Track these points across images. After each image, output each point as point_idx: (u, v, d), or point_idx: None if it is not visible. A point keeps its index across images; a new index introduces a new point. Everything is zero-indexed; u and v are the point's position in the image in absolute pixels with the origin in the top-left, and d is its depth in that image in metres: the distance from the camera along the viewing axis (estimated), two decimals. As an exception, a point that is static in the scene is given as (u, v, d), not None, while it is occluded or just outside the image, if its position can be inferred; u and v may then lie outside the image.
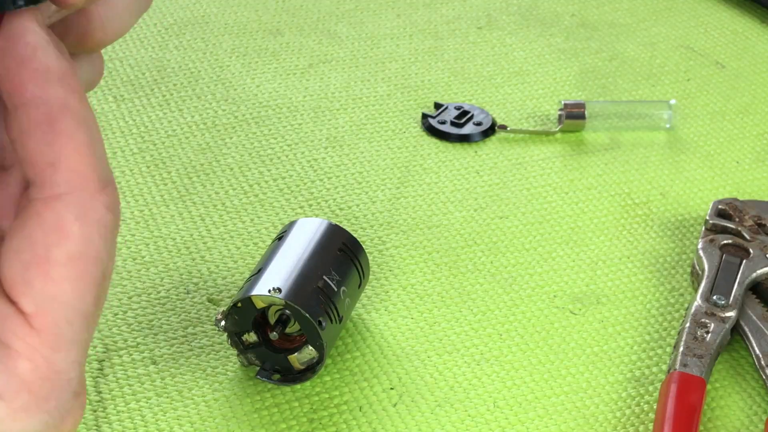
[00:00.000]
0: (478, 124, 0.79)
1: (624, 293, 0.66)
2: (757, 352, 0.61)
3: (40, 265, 0.35)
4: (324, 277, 0.58)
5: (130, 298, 0.63)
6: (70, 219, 0.35)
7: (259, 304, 0.57)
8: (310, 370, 0.59)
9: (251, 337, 0.58)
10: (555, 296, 0.66)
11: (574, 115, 0.79)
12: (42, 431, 0.36)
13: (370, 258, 0.64)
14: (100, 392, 0.58)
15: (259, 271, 0.58)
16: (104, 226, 0.36)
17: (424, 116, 0.79)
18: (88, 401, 0.57)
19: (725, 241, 0.67)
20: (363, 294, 0.64)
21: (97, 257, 0.36)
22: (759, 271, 0.65)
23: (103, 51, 0.42)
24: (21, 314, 0.36)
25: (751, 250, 0.66)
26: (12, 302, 0.36)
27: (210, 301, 0.64)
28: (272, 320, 0.58)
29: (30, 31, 0.37)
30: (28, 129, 0.36)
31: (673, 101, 0.80)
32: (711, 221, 0.68)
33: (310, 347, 0.57)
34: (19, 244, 0.36)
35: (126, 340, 0.61)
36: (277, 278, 0.57)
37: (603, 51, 0.89)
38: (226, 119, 0.78)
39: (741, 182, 0.76)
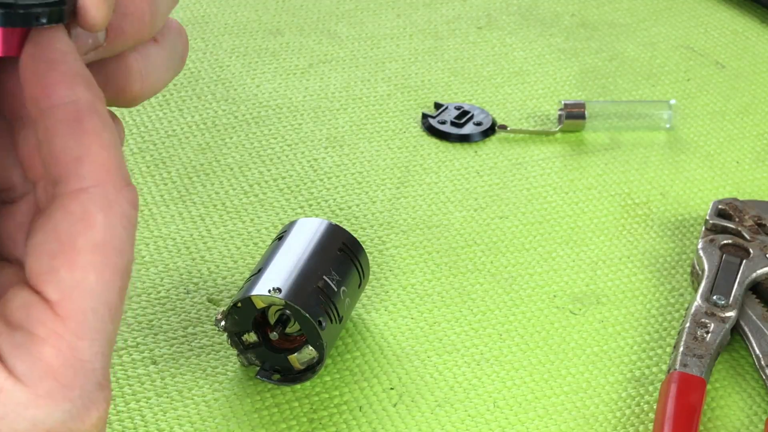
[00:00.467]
0: (478, 124, 0.79)
1: (624, 293, 0.66)
2: (757, 352, 0.61)
3: (66, 254, 0.36)
4: (324, 277, 0.58)
5: (130, 298, 0.63)
6: (96, 209, 0.36)
7: (259, 304, 0.57)
8: (310, 370, 0.59)
9: (251, 337, 0.58)
10: (555, 296, 0.66)
11: (574, 115, 0.79)
12: (65, 420, 0.36)
13: (370, 258, 0.64)
14: (100, 392, 0.58)
15: (259, 271, 0.58)
16: (127, 220, 0.37)
17: (424, 116, 0.79)
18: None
19: (725, 241, 0.67)
20: (363, 294, 0.64)
21: (121, 248, 0.37)
22: (759, 271, 0.65)
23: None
24: (46, 302, 0.36)
25: (751, 250, 0.66)
26: (37, 292, 0.36)
27: (210, 301, 0.64)
28: (272, 320, 0.58)
29: (59, 39, 0.38)
30: (54, 127, 0.37)
31: (673, 101, 0.80)
32: (711, 221, 0.68)
33: (310, 347, 0.57)
34: (45, 237, 0.36)
35: (126, 340, 0.61)
36: (277, 278, 0.57)
37: (603, 51, 0.89)
38: (226, 119, 0.78)
39: (741, 182, 0.76)
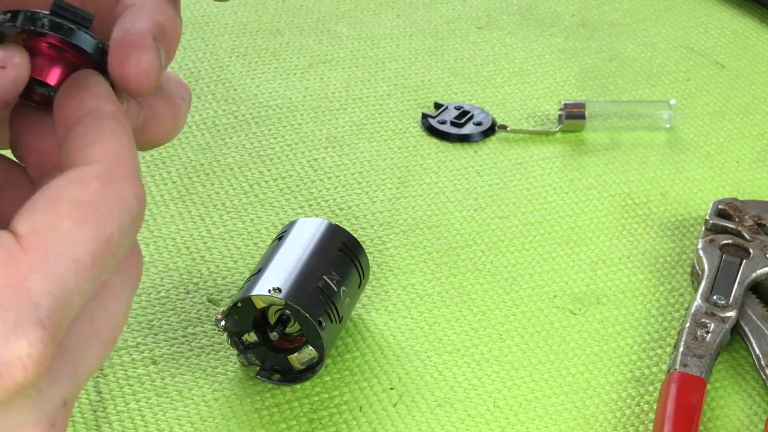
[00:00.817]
0: (478, 124, 0.79)
1: (624, 293, 0.66)
2: (757, 352, 0.61)
3: (49, 200, 0.36)
4: (324, 277, 0.58)
5: (130, 298, 0.63)
6: (93, 178, 0.37)
7: (259, 304, 0.57)
8: (310, 370, 0.59)
9: (251, 337, 0.58)
10: (555, 296, 0.66)
11: (574, 115, 0.79)
12: None
13: (370, 258, 0.64)
14: (100, 392, 0.58)
15: (259, 271, 0.58)
16: (125, 204, 0.37)
17: (424, 116, 0.79)
18: (88, 401, 0.57)
19: (725, 241, 0.67)
20: (363, 294, 0.64)
21: (107, 218, 0.36)
22: (759, 271, 0.65)
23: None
24: (13, 234, 0.36)
25: (751, 250, 0.66)
26: (8, 229, 0.36)
27: (210, 301, 0.64)
28: (272, 320, 0.58)
29: (96, 78, 0.40)
30: (76, 129, 0.38)
31: (673, 101, 0.80)
32: (711, 221, 0.68)
33: (310, 347, 0.57)
34: (37, 195, 0.36)
35: (126, 340, 0.61)
36: (277, 278, 0.57)
37: (603, 51, 0.89)
38: (226, 119, 0.78)
39: (741, 182, 0.76)
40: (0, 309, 0.34)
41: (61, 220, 0.36)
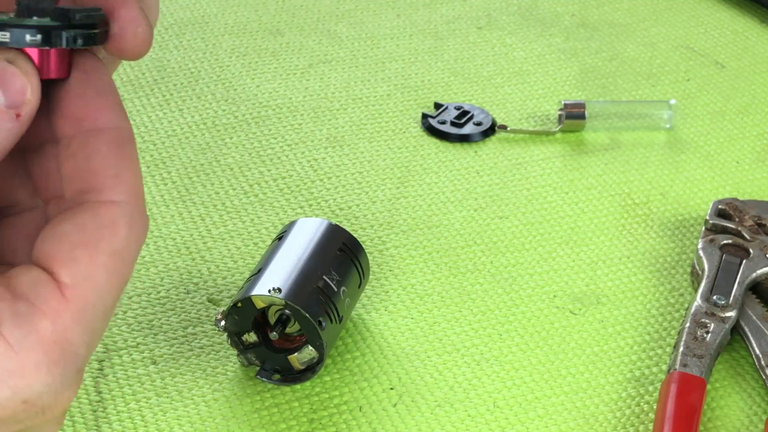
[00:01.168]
0: (478, 124, 0.79)
1: (624, 293, 0.66)
2: (757, 352, 0.61)
3: (88, 249, 0.39)
4: (324, 277, 0.58)
5: (130, 298, 0.63)
6: (123, 222, 0.40)
7: (259, 304, 0.57)
8: (310, 370, 0.59)
9: (251, 337, 0.58)
10: (555, 296, 0.66)
11: (574, 115, 0.79)
12: (42, 395, 0.38)
13: (370, 258, 0.64)
14: (100, 392, 0.58)
15: (259, 271, 0.58)
16: (139, 242, 0.41)
17: (424, 116, 0.79)
18: (87, 401, 0.57)
19: (725, 241, 0.67)
20: (363, 294, 0.64)
21: (130, 263, 0.40)
22: (759, 271, 0.65)
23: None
24: (56, 282, 0.38)
25: (751, 250, 0.66)
26: (48, 272, 0.39)
27: (210, 301, 0.64)
28: (272, 320, 0.58)
29: (103, 70, 0.42)
30: (98, 146, 0.41)
31: (673, 101, 0.80)
32: (711, 221, 0.68)
33: (310, 347, 0.57)
34: (70, 229, 0.39)
35: (126, 340, 0.61)
36: (277, 278, 0.57)
37: (603, 51, 0.89)
38: (226, 119, 0.78)
39: (741, 182, 0.76)
40: (52, 366, 0.38)
41: (100, 273, 0.39)
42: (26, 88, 0.40)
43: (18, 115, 0.40)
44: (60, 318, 0.38)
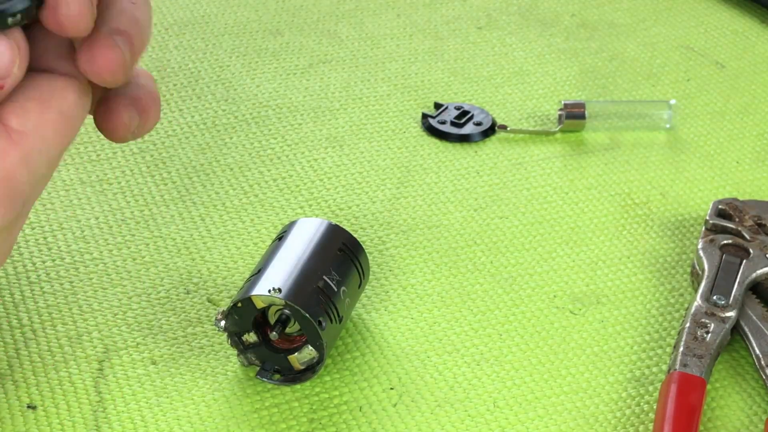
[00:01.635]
0: (478, 124, 0.79)
1: (624, 293, 0.66)
2: (757, 352, 0.61)
3: (40, 104, 0.45)
4: (324, 277, 0.58)
5: (130, 298, 0.63)
6: (73, 90, 0.47)
7: (259, 304, 0.57)
8: (310, 370, 0.59)
9: (251, 337, 0.58)
10: (555, 296, 0.66)
11: (574, 115, 0.79)
12: None
13: (370, 258, 0.64)
14: (100, 392, 0.58)
15: (259, 271, 0.58)
16: (85, 112, 0.48)
17: (424, 116, 0.79)
18: (88, 401, 0.57)
19: (725, 241, 0.67)
20: (363, 294, 0.64)
21: (75, 127, 0.47)
22: (759, 271, 0.65)
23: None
24: (5, 127, 0.44)
25: (751, 250, 0.66)
26: (1, 120, 0.44)
27: (210, 301, 0.64)
28: (272, 320, 0.58)
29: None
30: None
31: (673, 101, 0.80)
32: (711, 221, 0.68)
33: (310, 347, 0.57)
34: (26, 85, 0.45)
35: (126, 341, 0.61)
36: (277, 278, 0.57)
37: (603, 51, 0.89)
38: (226, 119, 0.78)
39: (741, 182, 0.76)
40: (2, 196, 0.44)
41: (46, 125, 0.44)
42: (14, 63, 0.44)
43: (1, 87, 0.44)
44: (7, 156, 0.44)
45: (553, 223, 0.71)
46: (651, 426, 0.58)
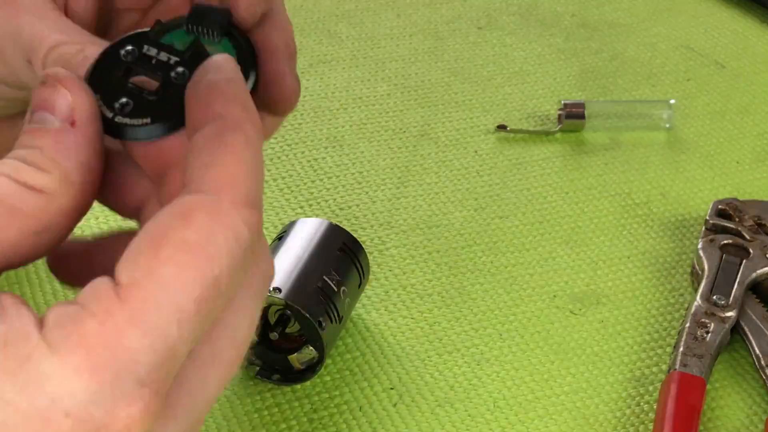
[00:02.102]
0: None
1: (624, 293, 0.66)
2: (757, 352, 0.61)
3: (153, 242, 0.33)
4: (324, 277, 0.58)
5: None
6: (200, 212, 0.33)
7: (259, 304, 0.57)
8: (310, 370, 0.59)
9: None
10: (555, 296, 0.66)
11: (574, 115, 0.79)
12: (87, 405, 0.32)
13: (370, 258, 0.64)
14: (100, 392, 0.58)
15: (259, 271, 0.58)
16: (235, 237, 0.33)
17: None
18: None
19: (725, 241, 0.67)
20: (363, 294, 0.64)
21: (214, 258, 0.33)
22: (759, 271, 0.65)
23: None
24: (113, 284, 0.33)
25: (751, 250, 0.66)
26: (112, 276, 0.33)
27: (210, 301, 0.63)
28: (272, 320, 0.58)
29: (226, 65, 0.37)
30: (196, 141, 0.35)
31: (673, 101, 0.80)
32: (711, 221, 0.68)
33: (310, 347, 0.57)
34: (144, 227, 0.34)
35: (126, 340, 0.61)
36: (277, 278, 0.57)
37: (603, 51, 0.89)
38: (226, 119, 0.78)
39: (741, 182, 0.76)
40: (98, 370, 0.32)
41: (163, 266, 0.32)
42: (72, 108, 0.36)
43: (73, 123, 0.36)
44: (111, 318, 0.32)
45: (553, 223, 0.71)
46: (651, 426, 0.58)
